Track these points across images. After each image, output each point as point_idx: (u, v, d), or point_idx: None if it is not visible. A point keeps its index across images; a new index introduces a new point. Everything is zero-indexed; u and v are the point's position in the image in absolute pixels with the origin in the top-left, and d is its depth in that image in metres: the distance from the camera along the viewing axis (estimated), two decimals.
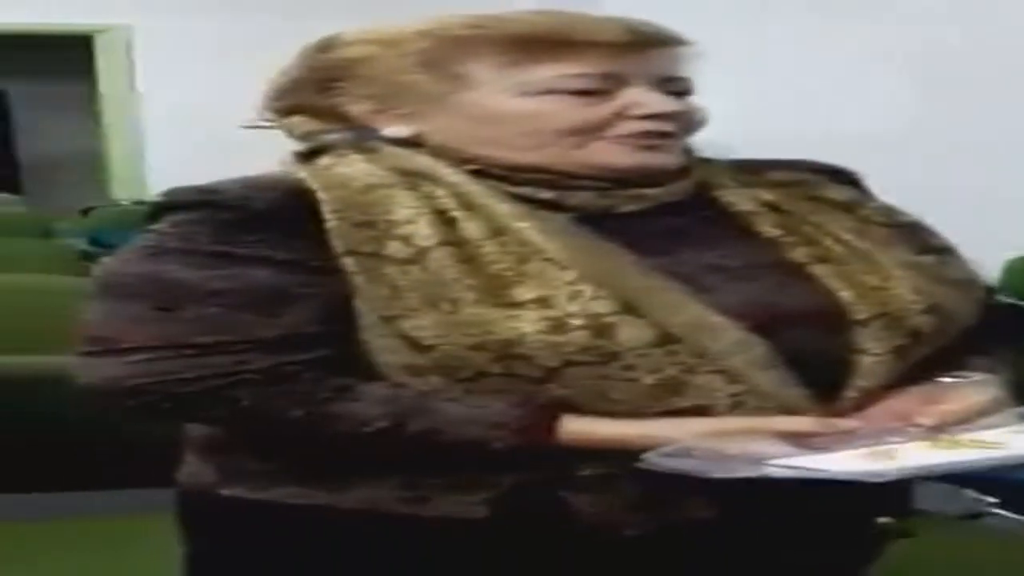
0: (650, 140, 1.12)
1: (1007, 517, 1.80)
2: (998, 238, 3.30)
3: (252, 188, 1.09)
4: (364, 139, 1.15)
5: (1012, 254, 3.39)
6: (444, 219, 1.07)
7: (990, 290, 1.23)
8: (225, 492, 1.12)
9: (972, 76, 4.10)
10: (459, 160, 1.12)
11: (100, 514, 1.71)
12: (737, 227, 1.16)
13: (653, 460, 0.99)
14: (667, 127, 1.12)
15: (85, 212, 5.70)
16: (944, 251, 1.20)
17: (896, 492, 1.07)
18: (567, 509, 1.05)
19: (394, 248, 1.05)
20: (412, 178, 1.10)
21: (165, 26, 6.69)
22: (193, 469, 1.16)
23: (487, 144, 1.11)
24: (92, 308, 1.07)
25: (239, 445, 1.11)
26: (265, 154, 1.23)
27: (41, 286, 2.44)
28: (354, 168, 1.12)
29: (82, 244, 4.81)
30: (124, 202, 6.18)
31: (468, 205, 1.08)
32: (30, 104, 9.14)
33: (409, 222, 1.06)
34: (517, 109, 1.10)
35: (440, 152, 1.12)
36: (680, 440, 1.01)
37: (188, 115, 6.36)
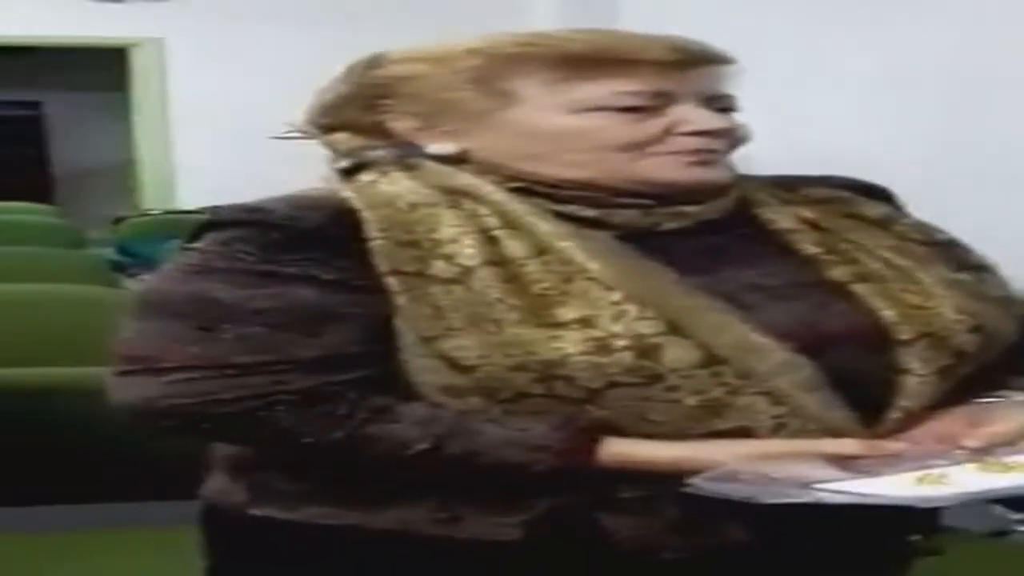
0: (700, 156, 1.11)
1: None
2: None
3: (298, 207, 1.08)
4: (408, 156, 1.14)
5: None
6: (488, 238, 1.06)
7: None
8: (255, 511, 1.11)
9: (997, 93, 4.08)
10: (504, 177, 1.11)
11: (118, 526, 1.71)
12: (777, 245, 1.15)
13: (700, 484, 0.97)
14: (715, 144, 1.12)
15: (116, 222, 5.73)
16: (982, 268, 1.19)
17: (924, 510, 1.04)
18: (604, 532, 1.04)
19: (438, 267, 1.04)
20: (455, 196, 1.09)
21: (198, 39, 6.74)
22: (222, 487, 1.15)
23: (533, 160, 1.11)
24: (131, 326, 1.06)
25: (270, 464, 1.11)
26: (297, 166, 1.23)
27: (68, 296, 2.45)
28: (398, 186, 1.11)
29: (112, 254, 4.85)
30: (154, 212, 6.20)
31: (511, 223, 1.07)
32: (65, 115, 9.23)
33: (453, 241, 1.05)
34: (567, 126, 1.10)
35: (485, 169, 1.11)
36: (724, 463, 0.99)
37: (219, 127, 6.40)
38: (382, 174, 1.13)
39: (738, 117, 1.15)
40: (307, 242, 1.05)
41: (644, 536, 1.03)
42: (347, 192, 1.10)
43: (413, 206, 1.08)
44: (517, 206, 1.08)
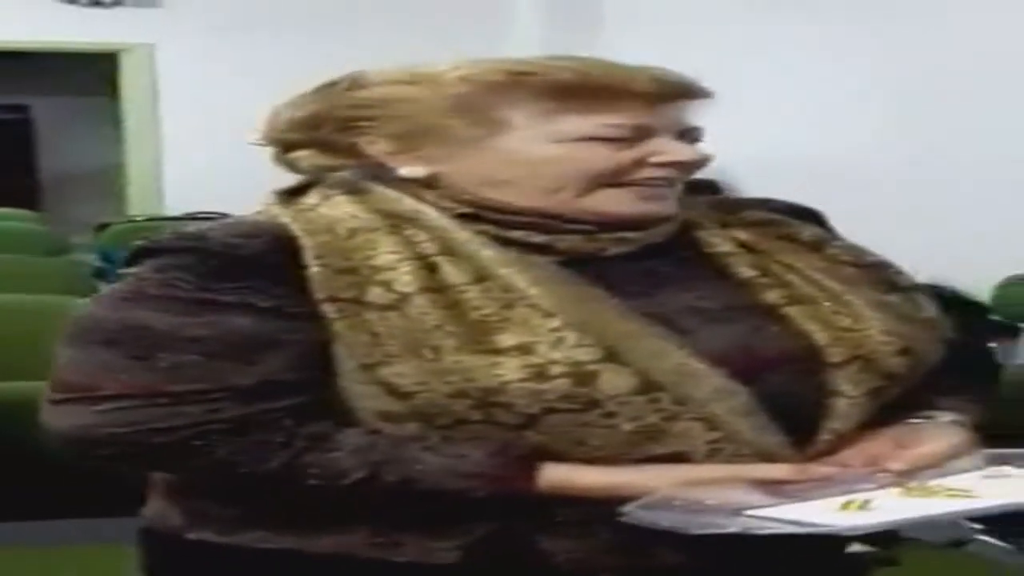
0: (656, 188, 1.13)
1: (993, 544, 1.79)
2: (994, 258, 3.30)
3: (236, 234, 1.08)
4: (373, 178, 1.14)
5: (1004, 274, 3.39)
6: (426, 264, 1.06)
7: (966, 326, 1.24)
8: (192, 536, 1.11)
9: (953, 101, 4.12)
10: (462, 203, 1.11)
11: (59, 543, 1.70)
12: (714, 268, 1.17)
13: (633, 513, 0.99)
14: (678, 175, 1.14)
15: (100, 228, 5.68)
16: (910, 289, 1.21)
17: None
18: (542, 554, 1.04)
19: (375, 294, 1.04)
20: (397, 221, 1.10)
21: (189, 46, 6.72)
22: (159, 511, 1.15)
23: (503, 187, 1.11)
24: (65, 353, 1.06)
25: (206, 488, 1.10)
26: (284, 174, 1.21)
27: (44, 307, 2.40)
28: (339, 210, 1.11)
29: (95, 261, 4.80)
30: (139, 218, 6.17)
31: (452, 250, 1.08)
32: (53, 119, 9.20)
33: (391, 268, 1.06)
34: (548, 155, 1.10)
35: (449, 194, 1.11)
36: (658, 489, 1.01)
37: (209, 133, 6.36)
38: (325, 197, 1.14)
39: (703, 147, 1.17)
40: (244, 269, 1.05)
41: (581, 558, 1.04)
42: (285, 218, 1.11)
43: (352, 232, 1.09)
44: (460, 233, 1.09)
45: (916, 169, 4.26)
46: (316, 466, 1.03)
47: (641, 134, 1.11)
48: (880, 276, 1.20)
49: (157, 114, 6.94)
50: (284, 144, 1.18)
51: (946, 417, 1.15)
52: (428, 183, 1.12)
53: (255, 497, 1.07)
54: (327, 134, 1.15)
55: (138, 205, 6.91)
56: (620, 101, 1.10)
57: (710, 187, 5.64)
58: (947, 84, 4.15)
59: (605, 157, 1.10)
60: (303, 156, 1.17)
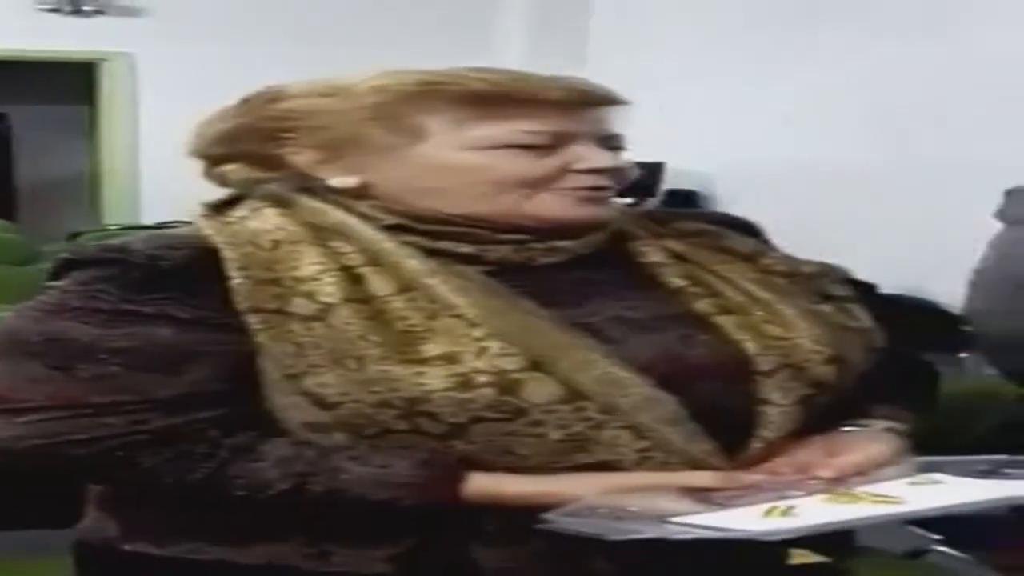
0: (591, 194, 1.14)
1: (950, 554, 1.80)
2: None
3: (160, 246, 1.09)
4: (303, 189, 1.15)
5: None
6: (351, 275, 1.07)
7: (899, 337, 1.24)
8: (127, 547, 1.11)
9: (914, 113, 4.15)
10: (397, 213, 1.12)
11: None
12: (645, 278, 1.18)
13: (555, 520, 0.99)
14: (605, 181, 1.15)
15: (72, 237, 5.66)
16: (843, 299, 1.22)
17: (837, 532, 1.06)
18: (472, 563, 1.05)
19: (298, 305, 1.05)
20: (322, 233, 1.11)
21: (169, 55, 6.72)
22: (94, 523, 1.15)
23: (431, 196, 1.12)
24: None
25: (141, 500, 1.10)
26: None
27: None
28: (265, 223, 1.12)
29: None
30: (112, 227, 6.16)
31: (376, 261, 1.08)
32: (32, 127, 9.16)
33: (314, 279, 1.06)
34: (468, 162, 1.11)
35: (382, 204, 1.13)
36: (584, 497, 1.01)
37: (186, 143, 6.36)
38: (254, 210, 1.14)
39: (626, 156, 1.18)
40: (167, 281, 1.06)
41: (512, 567, 1.05)
42: (209, 230, 1.11)
43: (276, 243, 1.10)
44: (386, 244, 1.09)
45: (894, 175, 4.30)
46: (241, 477, 1.03)
47: (560, 141, 1.12)
48: (814, 286, 1.21)
49: (135, 123, 6.93)
50: (212, 158, 1.19)
51: (879, 425, 1.17)
52: (359, 193, 1.13)
53: (187, 508, 1.08)
54: (252, 147, 1.16)
55: (114, 214, 6.90)
56: (535, 109, 1.11)
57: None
58: (928, 92, 4.19)
59: (525, 164, 1.11)
60: (231, 170, 1.18)
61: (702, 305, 1.15)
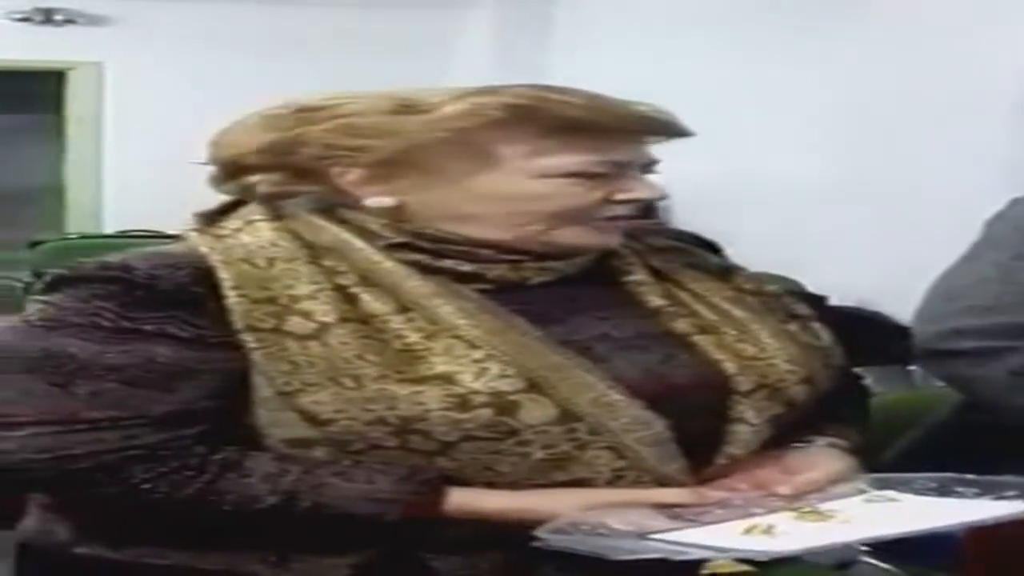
0: (616, 223, 1.15)
1: (877, 566, 1.81)
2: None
3: (159, 265, 1.09)
4: (322, 206, 1.14)
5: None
6: (346, 295, 1.07)
7: (849, 350, 1.26)
8: (80, 551, 1.11)
9: (888, 126, 4.18)
10: (407, 231, 1.11)
11: None
12: (626, 295, 1.19)
13: (547, 538, 1.00)
14: (634, 211, 1.16)
15: (33, 245, 5.63)
16: (806, 318, 1.24)
17: None
18: (432, 573, 1.06)
19: (295, 323, 1.06)
20: (318, 251, 1.10)
21: (137, 65, 6.68)
22: (41, 525, 1.14)
23: (472, 222, 1.11)
24: None
25: (94, 504, 1.10)
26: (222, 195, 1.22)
27: None
28: (259, 237, 1.12)
29: (27, 277, 4.77)
30: (72, 236, 6.13)
31: (371, 280, 1.08)
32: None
33: (310, 297, 1.07)
34: (535, 191, 1.11)
35: (408, 225, 1.11)
36: (562, 513, 1.02)
37: (151, 153, 6.33)
38: (247, 223, 1.13)
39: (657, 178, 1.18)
40: (166, 301, 1.06)
41: None
42: (204, 247, 1.11)
43: (271, 261, 1.10)
44: (385, 263, 1.09)
45: (847, 187, 4.32)
46: (231, 492, 1.04)
47: (616, 170, 1.13)
48: (778, 304, 1.23)
49: (100, 132, 6.89)
50: (242, 167, 1.16)
51: (824, 441, 1.19)
52: (392, 213, 1.11)
53: (142, 510, 1.07)
54: (298, 159, 1.13)
55: (76, 223, 6.83)
56: (608, 137, 1.11)
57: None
58: (882, 105, 4.23)
59: (580, 195, 1.11)
60: (260, 180, 1.15)
61: (680, 325, 1.17)
